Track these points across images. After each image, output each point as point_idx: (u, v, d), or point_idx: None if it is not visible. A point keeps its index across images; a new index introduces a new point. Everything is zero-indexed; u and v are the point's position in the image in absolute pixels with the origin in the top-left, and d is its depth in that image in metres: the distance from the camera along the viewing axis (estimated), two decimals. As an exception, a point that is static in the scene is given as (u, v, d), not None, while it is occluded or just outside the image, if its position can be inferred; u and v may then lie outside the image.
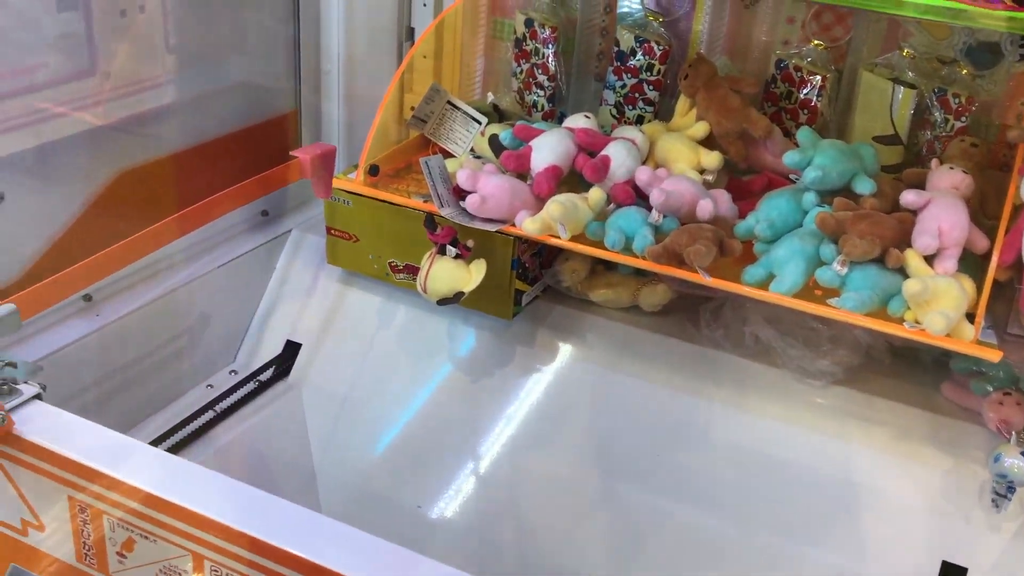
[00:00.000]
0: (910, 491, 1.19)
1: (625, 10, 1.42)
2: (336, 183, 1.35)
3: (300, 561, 0.69)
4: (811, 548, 1.20)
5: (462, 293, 1.24)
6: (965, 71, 1.24)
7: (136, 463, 0.75)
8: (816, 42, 1.31)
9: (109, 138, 1.24)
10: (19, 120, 1.11)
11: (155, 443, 1.29)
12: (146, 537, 0.75)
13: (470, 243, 1.25)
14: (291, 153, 1.31)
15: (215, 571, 0.72)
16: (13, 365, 0.83)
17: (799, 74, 1.30)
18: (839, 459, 1.22)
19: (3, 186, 1.09)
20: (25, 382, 0.81)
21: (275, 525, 0.71)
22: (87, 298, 1.24)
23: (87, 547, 0.78)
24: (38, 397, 0.81)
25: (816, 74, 1.29)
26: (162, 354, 1.37)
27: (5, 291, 1.11)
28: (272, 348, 1.48)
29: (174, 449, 1.30)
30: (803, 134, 1.19)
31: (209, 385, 1.42)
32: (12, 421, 0.77)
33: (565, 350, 1.37)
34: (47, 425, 0.78)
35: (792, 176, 1.21)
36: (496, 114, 1.46)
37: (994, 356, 1.02)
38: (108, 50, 1.23)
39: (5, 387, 0.79)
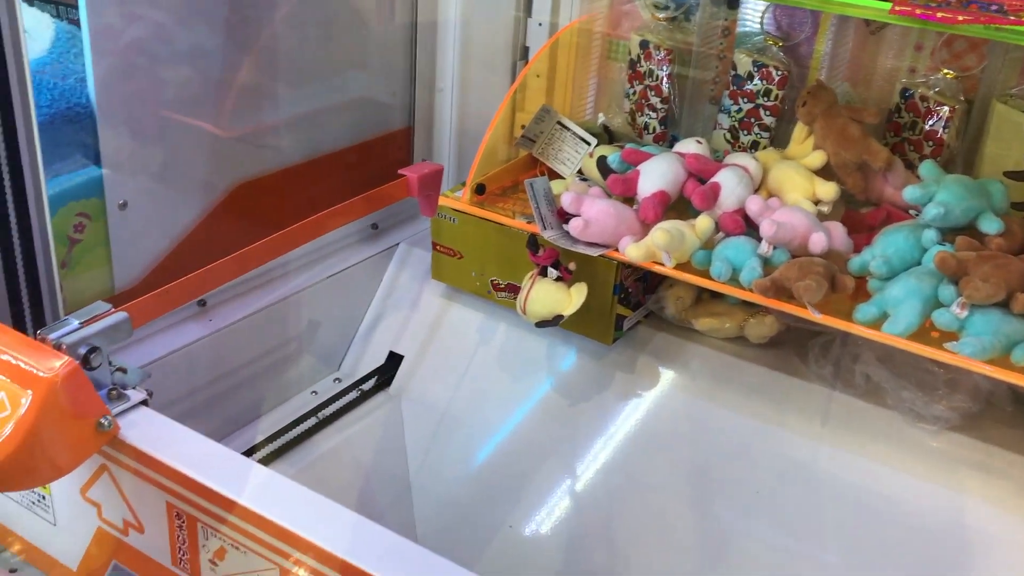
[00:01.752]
0: (1029, 549, 1.12)
1: (745, 32, 1.38)
2: (443, 200, 1.36)
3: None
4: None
5: (561, 316, 1.23)
6: (1109, 105, 1.16)
7: (233, 474, 0.77)
8: (946, 71, 1.25)
9: (229, 150, 1.28)
10: (145, 131, 1.16)
11: (259, 447, 1.33)
12: (237, 548, 0.77)
13: (572, 266, 1.24)
14: (399, 172, 1.32)
15: None
16: (123, 370, 0.86)
17: (925, 104, 1.24)
18: (951, 509, 1.16)
19: (127, 194, 1.14)
20: (134, 388, 0.85)
21: (367, 549, 0.72)
22: (201, 303, 1.28)
23: (182, 552, 0.81)
24: (144, 403, 0.84)
25: (944, 104, 1.23)
26: (270, 359, 1.41)
27: (124, 295, 1.16)
28: (375, 358, 1.50)
29: (276, 453, 1.33)
30: (926, 168, 1.14)
31: (314, 391, 1.46)
32: (118, 426, 0.80)
33: (666, 378, 1.35)
34: (151, 431, 0.81)
35: (912, 211, 1.15)
36: (606, 135, 1.45)
37: None
38: (232, 64, 1.27)
39: (114, 392, 0.83)
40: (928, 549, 1.15)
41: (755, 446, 1.28)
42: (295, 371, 1.45)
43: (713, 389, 1.33)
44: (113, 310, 0.86)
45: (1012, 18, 0.88)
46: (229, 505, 0.75)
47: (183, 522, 0.79)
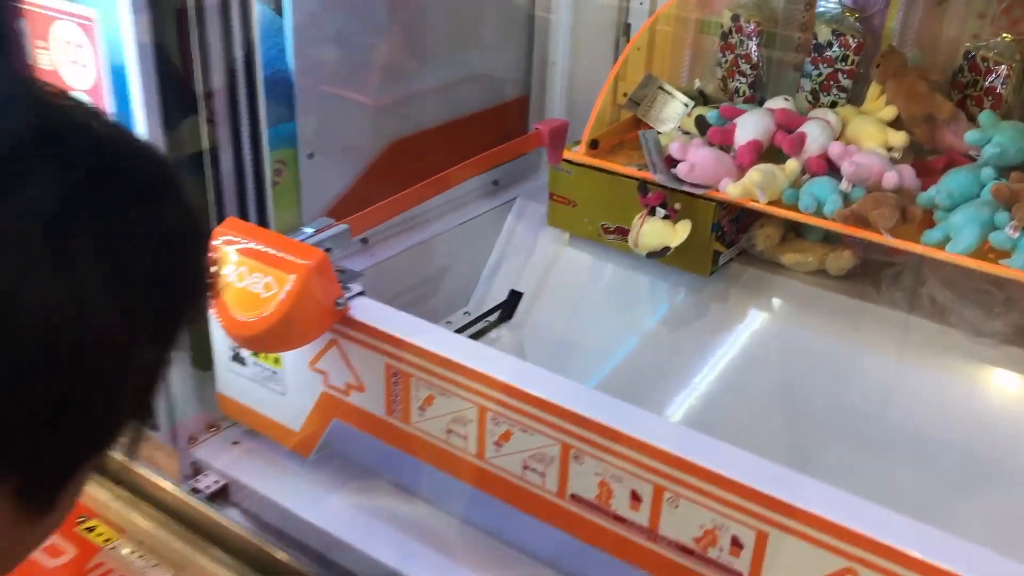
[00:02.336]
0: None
1: (823, 7, 1.59)
2: (564, 153, 1.59)
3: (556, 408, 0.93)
4: (977, 492, 1.33)
5: (668, 248, 1.45)
6: None
7: (438, 338, 1.02)
8: (1004, 35, 1.44)
9: (387, 113, 1.53)
10: (326, 96, 1.42)
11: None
12: (443, 394, 1.01)
13: (677, 206, 1.46)
14: (533, 125, 1.56)
15: (495, 420, 0.98)
16: (341, 270, 1.11)
17: (985, 64, 1.43)
18: (1006, 410, 1.35)
19: (313, 146, 1.40)
20: (352, 283, 1.09)
21: (533, 385, 0.96)
22: (364, 240, 1.53)
23: (396, 402, 1.05)
24: (361, 294, 1.09)
25: (1002, 64, 1.42)
26: (414, 294, 1.65)
27: (313, 227, 1.41)
28: (499, 295, 1.73)
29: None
30: (985, 116, 1.33)
31: (448, 322, 1.70)
32: (349, 306, 1.05)
33: (756, 306, 1.56)
34: (371, 311, 1.06)
35: (972, 153, 1.35)
36: (701, 99, 1.67)
37: None
38: (387, 44, 1.52)
39: (343, 284, 1.07)
40: (984, 442, 1.34)
41: (835, 364, 1.48)
42: (433, 304, 1.69)
43: (798, 315, 1.54)
44: (336, 222, 1.11)
45: (1054, -17, 1.08)
46: (433, 358, 0.99)
47: (398, 378, 1.04)
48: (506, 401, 0.96)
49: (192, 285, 0.61)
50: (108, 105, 1.04)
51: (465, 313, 1.73)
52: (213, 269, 0.63)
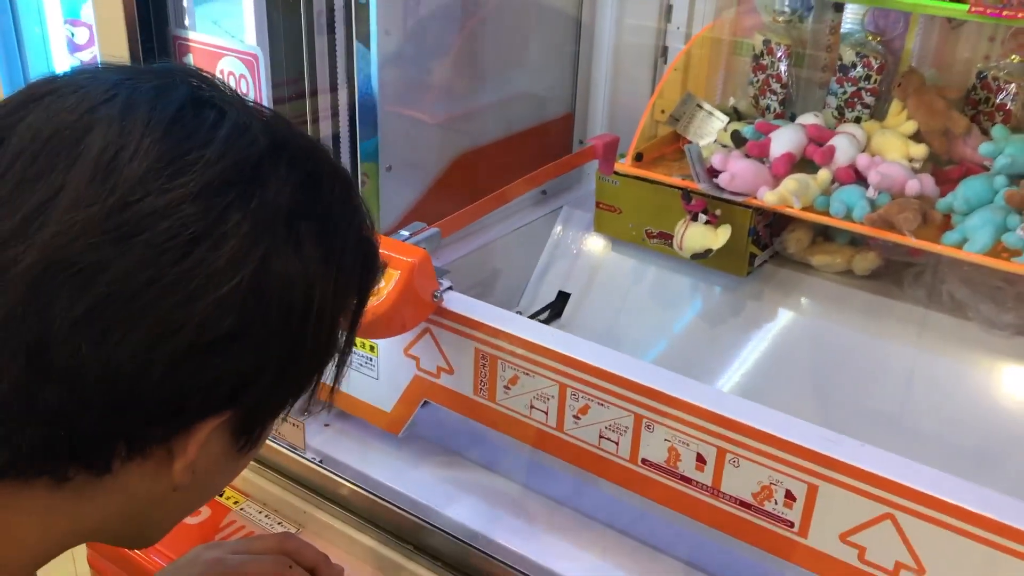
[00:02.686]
0: (1081, 423, 1.45)
1: (848, 31, 1.74)
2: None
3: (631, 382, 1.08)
4: (992, 468, 1.48)
5: (711, 250, 1.60)
6: None
7: (520, 326, 1.17)
8: (1014, 56, 1.59)
9: (453, 129, 1.69)
10: (402, 115, 1.58)
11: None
12: (527, 374, 1.16)
13: (718, 212, 1.61)
14: (588, 140, 1.72)
15: (573, 395, 1.13)
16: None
17: (996, 83, 1.58)
18: (1018, 393, 1.50)
19: (392, 160, 1.56)
20: (442, 281, 1.25)
21: (608, 363, 1.11)
22: (433, 251, 1.68)
23: (483, 383, 1.20)
24: (450, 288, 1.24)
25: (1012, 83, 1.57)
26: (472, 294, 1.79)
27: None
28: (548, 296, 1.88)
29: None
30: (997, 130, 1.48)
31: (503, 320, 1.85)
32: (442, 299, 1.20)
33: (788, 303, 1.70)
34: (462, 302, 1.21)
35: (986, 163, 1.50)
36: (735, 115, 1.82)
37: None
38: (450, 66, 1.68)
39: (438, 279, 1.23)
40: (999, 424, 1.48)
41: (861, 355, 1.62)
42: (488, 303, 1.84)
43: (827, 312, 1.68)
44: (428, 226, 1.26)
45: (1058, 14, 1.23)
46: (524, 343, 1.14)
47: (486, 361, 1.19)
48: (584, 378, 1.11)
49: (375, 267, 0.76)
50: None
51: (517, 312, 1.87)
52: (382, 258, 0.79)
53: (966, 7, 1.31)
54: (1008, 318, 1.52)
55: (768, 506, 1.03)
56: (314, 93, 1.25)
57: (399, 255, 1.17)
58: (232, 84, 1.20)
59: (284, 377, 0.69)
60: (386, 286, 1.14)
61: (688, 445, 1.06)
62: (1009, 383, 1.52)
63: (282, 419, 0.76)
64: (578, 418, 1.14)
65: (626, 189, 1.76)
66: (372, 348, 1.30)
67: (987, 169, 1.51)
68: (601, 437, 1.13)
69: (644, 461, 1.11)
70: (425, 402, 1.37)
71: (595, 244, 1.89)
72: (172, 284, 0.60)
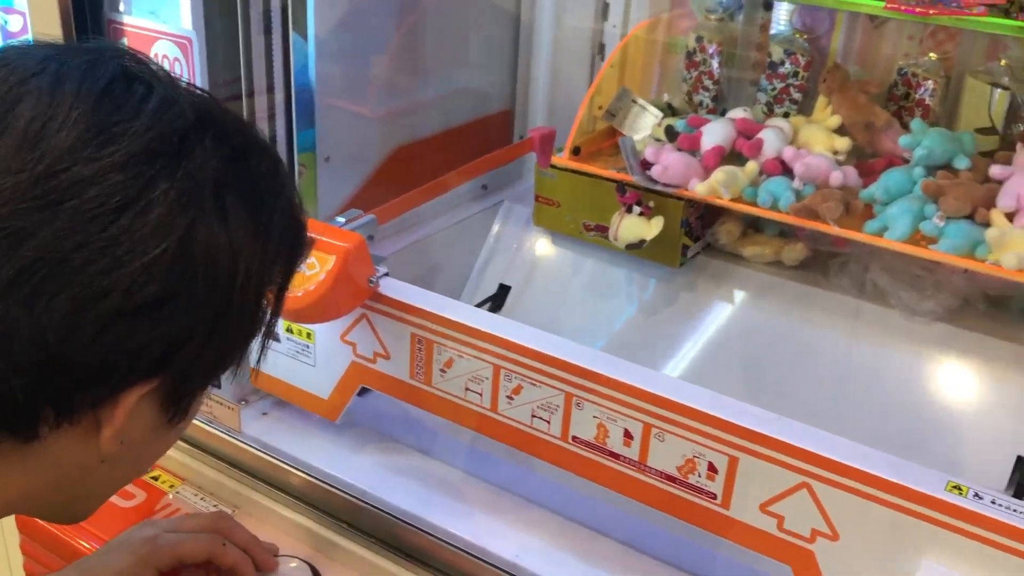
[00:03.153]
0: (995, 402, 1.51)
1: (777, 29, 1.80)
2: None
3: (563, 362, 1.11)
4: (915, 450, 1.54)
5: (644, 240, 1.64)
6: (1052, 77, 1.57)
7: (458, 309, 1.20)
8: (931, 54, 1.66)
9: (390, 123, 1.71)
10: (340, 107, 1.59)
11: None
12: (462, 356, 1.18)
13: (651, 204, 1.65)
14: (528, 132, 1.75)
15: (507, 376, 1.15)
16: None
17: (916, 79, 1.65)
18: (938, 377, 1.56)
19: (330, 151, 1.57)
20: (379, 267, 1.27)
21: (541, 344, 1.14)
22: (370, 237, 1.70)
23: (419, 367, 1.22)
24: (387, 275, 1.26)
25: (929, 79, 1.64)
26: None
27: (331, 223, 1.58)
28: (489, 288, 1.90)
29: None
30: (915, 123, 1.55)
31: (444, 312, 1.87)
32: (379, 284, 1.22)
33: (721, 294, 1.75)
34: (398, 288, 1.23)
35: (906, 156, 1.56)
36: (670, 110, 1.87)
37: (1056, 287, 1.35)
38: (388, 60, 1.71)
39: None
40: (919, 406, 1.54)
41: (791, 344, 1.67)
42: (429, 296, 1.87)
43: (758, 301, 1.73)
44: (364, 213, 1.28)
45: (965, 11, 1.29)
46: (457, 327, 1.17)
47: (422, 345, 1.21)
48: (517, 359, 1.13)
49: (302, 242, 0.78)
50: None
51: (458, 305, 1.90)
52: (310, 235, 0.81)
53: (882, 4, 1.37)
54: (928, 305, 1.58)
55: (692, 479, 1.07)
56: (250, 80, 1.26)
57: (335, 240, 1.19)
58: (166, 67, 1.21)
59: (210, 345, 0.70)
60: (321, 271, 1.16)
61: (616, 421, 1.09)
62: (930, 369, 1.58)
63: (209, 392, 0.78)
64: (511, 399, 1.17)
65: (564, 183, 1.79)
66: (309, 335, 1.31)
67: (907, 161, 1.58)
68: (533, 416, 1.16)
69: (575, 439, 1.14)
70: (363, 390, 1.38)
71: (535, 237, 1.92)
72: (100, 250, 0.62)
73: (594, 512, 1.27)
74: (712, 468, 1.05)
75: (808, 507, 1.00)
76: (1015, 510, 0.91)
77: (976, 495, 0.93)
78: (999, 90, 1.58)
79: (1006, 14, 1.33)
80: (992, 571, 0.91)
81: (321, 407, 1.35)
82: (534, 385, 1.14)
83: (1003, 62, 1.59)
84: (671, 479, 1.08)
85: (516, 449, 1.20)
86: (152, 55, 1.22)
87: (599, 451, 1.12)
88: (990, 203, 1.43)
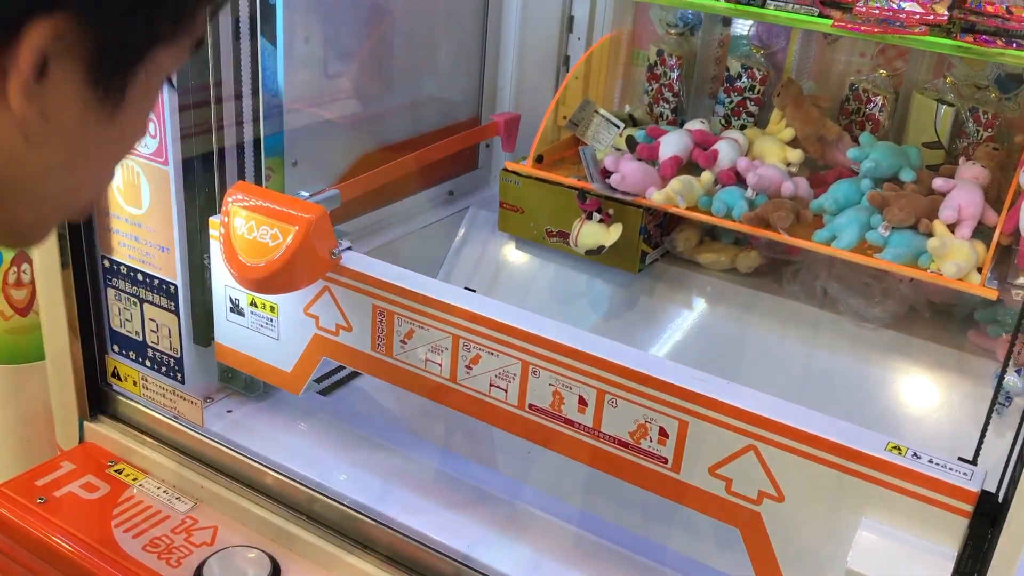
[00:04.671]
0: (938, 406, 1.57)
1: (735, 44, 1.86)
2: (511, 167, 1.82)
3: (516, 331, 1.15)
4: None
5: (604, 247, 1.69)
6: (994, 94, 1.63)
7: (417, 282, 1.23)
8: (881, 71, 1.72)
9: (359, 128, 1.75)
10: (309, 113, 1.63)
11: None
12: (422, 327, 1.22)
13: (611, 211, 1.70)
14: (490, 117, 1.80)
15: (465, 346, 1.19)
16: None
17: (866, 94, 1.71)
18: (884, 382, 1.62)
19: (298, 156, 1.61)
20: (341, 240, 1.30)
21: (498, 314, 1.18)
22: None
23: (380, 339, 1.25)
24: (349, 248, 1.30)
25: (879, 95, 1.70)
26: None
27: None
28: (454, 293, 1.96)
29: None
30: (864, 137, 1.61)
31: (409, 315, 1.91)
32: (341, 257, 1.26)
33: (678, 299, 1.81)
34: (360, 261, 1.26)
35: (855, 167, 1.62)
36: (631, 121, 1.92)
37: (992, 295, 1.41)
38: (358, 69, 1.75)
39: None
40: (868, 410, 1.60)
41: (744, 346, 1.73)
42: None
43: (713, 306, 1.79)
44: (328, 187, 1.33)
45: (908, 30, 1.35)
46: (417, 297, 1.21)
47: (384, 317, 1.24)
48: (476, 329, 1.17)
49: None
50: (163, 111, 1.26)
51: (424, 308, 1.95)
52: None
53: (830, 22, 1.43)
54: (876, 312, 1.64)
55: (644, 444, 1.11)
56: (219, 86, 1.30)
57: (297, 212, 1.22)
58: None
59: None
60: (284, 241, 1.20)
61: (571, 388, 1.14)
62: (878, 374, 1.64)
63: (156, 92, 0.66)
64: (470, 368, 1.21)
65: (528, 190, 1.84)
66: (272, 309, 1.34)
67: (856, 173, 1.64)
68: (491, 385, 1.20)
69: (531, 407, 1.18)
70: (326, 390, 1.42)
71: (499, 243, 1.97)
72: None
73: (548, 504, 1.32)
74: (663, 433, 1.09)
75: (755, 469, 1.05)
76: (951, 468, 0.97)
77: (915, 455, 0.99)
78: (944, 106, 1.64)
79: (947, 34, 1.40)
80: (929, 527, 0.96)
81: (285, 380, 1.38)
82: (492, 354, 1.18)
83: (948, 80, 1.66)
84: (624, 444, 1.12)
85: (476, 419, 1.23)
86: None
87: (555, 418, 1.16)
88: (933, 214, 1.49)
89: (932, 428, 1.56)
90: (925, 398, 1.59)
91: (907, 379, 1.61)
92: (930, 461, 0.97)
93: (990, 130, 1.63)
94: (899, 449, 0.98)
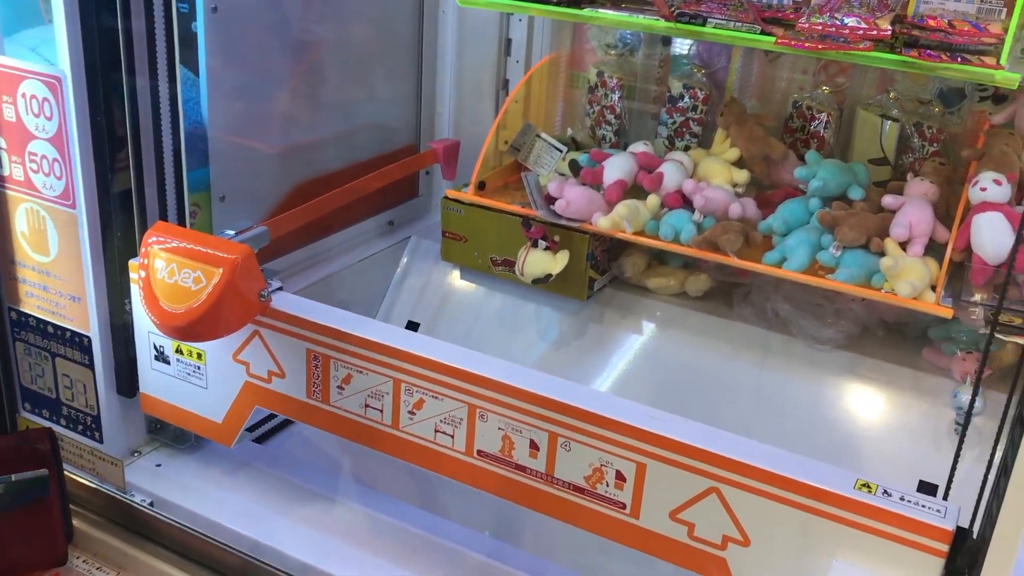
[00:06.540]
0: (896, 427, 1.54)
1: (676, 64, 1.82)
2: (453, 194, 1.76)
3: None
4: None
5: (551, 275, 1.63)
6: (937, 109, 1.62)
7: (354, 323, 1.16)
8: (824, 87, 1.70)
9: (291, 160, 1.67)
10: (238, 145, 1.55)
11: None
12: (360, 372, 1.14)
13: (556, 238, 1.65)
14: (429, 144, 1.74)
15: (408, 390, 1.12)
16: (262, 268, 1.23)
17: (810, 112, 1.69)
18: (841, 404, 1.58)
19: (225, 190, 1.53)
20: (272, 279, 1.22)
21: (442, 355, 1.11)
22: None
23: (316, 385, 1.18)
24: (280, 289, 1.22)
25: (823, 112, 1.68)
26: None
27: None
28: (397, 326, 1.87)
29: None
30: (810, 155, 1.58)
31: (350, 352, 1.83)
32: (271, 299, 1.18)
33: (627, 325, 1.76)
34: (292, 303, 1.19)
35: (802, 187, 1.59)
36: (573, 144, 1.87)
37: (948, 313, 1.38)
38: (290, 100, 1.68)
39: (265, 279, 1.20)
40: (823, 433, 1.56)
41: (696, 371, 1.68)
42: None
43: (663, 331, 1.74)
44: (255, 224, 1.25)
45: (852, 45, 1.33)
46: (356, 341, 1.13)
47: (319, 362, 1.17)
48: (418, 372, 1.11)
49: None
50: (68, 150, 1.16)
51: (366, 343, 1.87)
52: None
53: (773, 39, 1.40)
54: (829, 333, 1.61)
55: (601, 489, 1.05)
56: (135, 119, 1.22)
57: (221, 252, 1.14)
58: (35, 108, 1.16)
59: None
60: (207, 285, 1.11)
61: (521, 432, 1.07)
62: (833, 396, 1.60)
63: None
64: (413, 413, 1.14)
65: (471, 218, 1.78)
66: (199, 356, 1.26)
67: (803, 192, 1.61)
68: (437, 431, 1.13)
69: (480, 453, 1.11)
70: (261, 438, 1.34)
71: (443, 273, 1.90)
72: None
73: (509, 556, 1.25)
74: (620, 476, 1.03)
75: (718, 512, 0.99)
76: (924, 506, 0.92)
77: (885, 492, 0.94)
78: (890, 122, 1.62)
79: (891, 49, 1.37)
80: (903, 568, 0.92)
81: (215, 432, 1.29)
82: (436, 399, 1.11)
83: (892, 95, 1.64)
84: (579, 490, 1.06)
85: (420, 467, 1.16)
86: (20, 95, 1.17)
87: (505, 464, 1.10)
88: (884, 232, 1.46)
89: (891, 451, 1.52)
90: (882, 420, 1.56)
91: (863, 401, 1.58)
92: (901, 499, 0.92)
93: (935, 145, 1.61)
94: (869, 487, 0.93)
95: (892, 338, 1.62)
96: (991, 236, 1.36)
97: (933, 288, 1.41)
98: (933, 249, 1.47)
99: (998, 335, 1.39)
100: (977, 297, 1.38)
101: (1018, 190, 1.45)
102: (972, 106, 1.61)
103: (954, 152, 1.62)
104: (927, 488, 1.46)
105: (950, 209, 1.54)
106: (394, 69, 1.91)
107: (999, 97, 1.59)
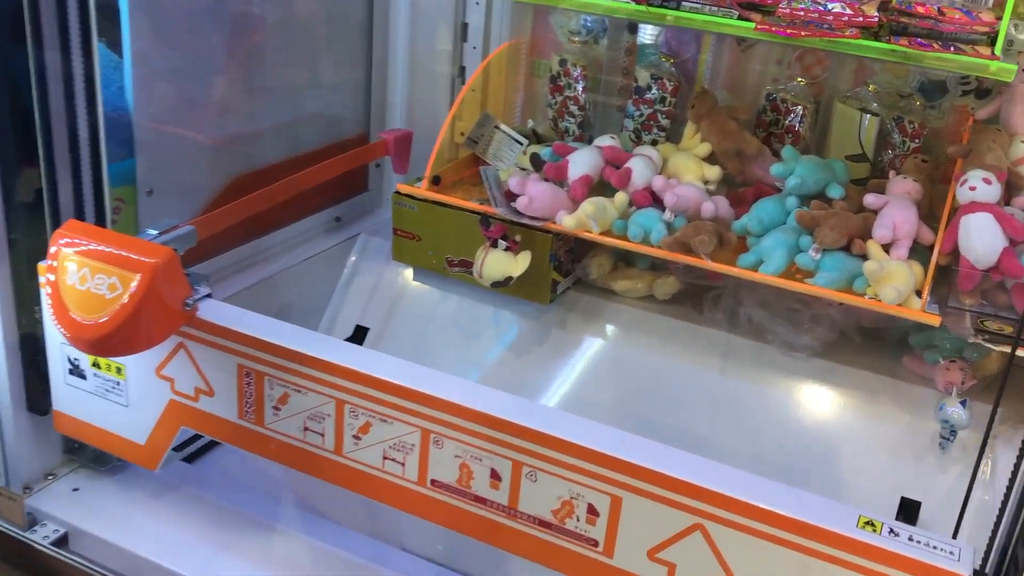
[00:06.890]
0: (876, 440, 1.45)
1: (643, 53, 1.72)
2: (405, 190, 1.64)
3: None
4: (801, 485, 1.46)
5: (511, 278, 1.52)
6: (919, 103, 1.53)
7: (293, 336, 1.03)
8: (799, 79, 1.61)
9: (227, 152, 1.54)
10: (166, 135, 1.41)
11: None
12: (299, 391, 1.02)
13: (517, 238, 1.53)
14: (379, 135, 1.61)
15: (352, 412, 1.00)
16: (188, 273, 1.10)
17: (785, 105, 1.59)
18: (817, 416, 1.49)
19: (154, 184, 1.39)
20: (199, 286, 1.09)
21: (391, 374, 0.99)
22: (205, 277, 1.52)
23: (249, 404, 1.05)
24: (209, 296, 1.09)
25: (799, 105, 1.59)
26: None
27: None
28: (344, 331, 1.75)
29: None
30: (787, 151, 1.48)
31: (294, 359, 1.70)
32: (197, 307, 1.05)
33: (592, 330, 1.65)
34: (221, 312, 1.06)
35: (778, 184, 1.49)
36: (535, 137, 1.76)
37: (935, 321, 1.30)
38: (229, 87, 1.54)
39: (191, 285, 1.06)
40: (799, 446, 1.47)
41: (665, 380, 1.58)
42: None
43: (630, 338, 1.63)
44: (182, 223, 1.11)
45: (837, 32, 1.23)
46: (296, 356, 1.01)
47: (252, 379, 1.04)
48: (364, 392, 0.99)
49: None
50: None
51: (311, 349, 1.74)
52: None
53: (753, 25, 1.30)
54: (805, 340, 1.52)
55: (570, 524, 0.94)
56: (44, 104, 1.08)
57: (140, 255, 1.00)
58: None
59: None
60: (124, 292, 0.98)
61: (481, 460, 0.96)
62: (808, 405, 1.51)
63: None
64: (358, 438, 1.02)
65: (425, 215, 1.65)
66: (119, 370, 1.12)
67: (779, 190, 1.51)
68: (385, 458, 1.01)
69: (434, 483, 1.00)
70: (190, 456, 1.20)
71: (394, 274, 1.78)
72: None
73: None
74: (592, 511, 0.92)
75: (703, 552, 0.89)
76: (935, 547, 0.83)
77: (891, 531, 0.84)
78: (869, 116, 1.54)
79: (876, 37, 1.28)
80: None
81: (138, 454, 1.16)
82: (385, 422, 0.99)
83: (871, 87, 1.56)
84: (546, 525, 0.95)
85: (366, 497, 1.05)
86: None
87: (463, 496, 0.98)
88: (866, 233, 1.37)
89: (871, 465, 1.44)
90: (861, 432, 1.47)
91: (841, 412, 1.49)
92: (910, 539, 0.82)
93: (917, 141, 1.52)
94: (873, 525, 0.83)
95: (871, 345, 1.54)
96: (981, 238, 1.28)
97: (918, 293, 1.32)
98: (916, 251, 1.38)
99: (986, 343, 1.31)
100: (968, 303, 1.29)
101: (1006, 190, 1.37)
102: (954, 100, 1.53)
103: (936, 149, 1.54)
104: (910, 506, 1.39)
105: (933, 209, 1.45)
106: (342, 53, 1.78)
107: (982, 91, 1.51)
